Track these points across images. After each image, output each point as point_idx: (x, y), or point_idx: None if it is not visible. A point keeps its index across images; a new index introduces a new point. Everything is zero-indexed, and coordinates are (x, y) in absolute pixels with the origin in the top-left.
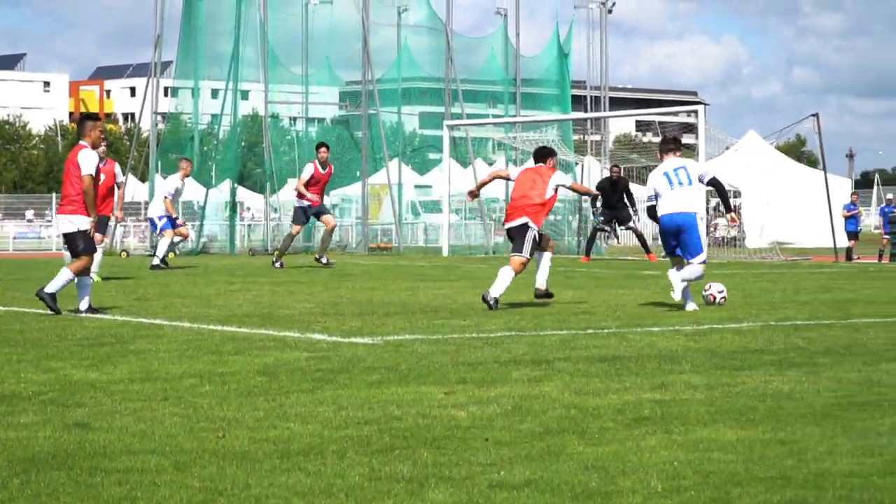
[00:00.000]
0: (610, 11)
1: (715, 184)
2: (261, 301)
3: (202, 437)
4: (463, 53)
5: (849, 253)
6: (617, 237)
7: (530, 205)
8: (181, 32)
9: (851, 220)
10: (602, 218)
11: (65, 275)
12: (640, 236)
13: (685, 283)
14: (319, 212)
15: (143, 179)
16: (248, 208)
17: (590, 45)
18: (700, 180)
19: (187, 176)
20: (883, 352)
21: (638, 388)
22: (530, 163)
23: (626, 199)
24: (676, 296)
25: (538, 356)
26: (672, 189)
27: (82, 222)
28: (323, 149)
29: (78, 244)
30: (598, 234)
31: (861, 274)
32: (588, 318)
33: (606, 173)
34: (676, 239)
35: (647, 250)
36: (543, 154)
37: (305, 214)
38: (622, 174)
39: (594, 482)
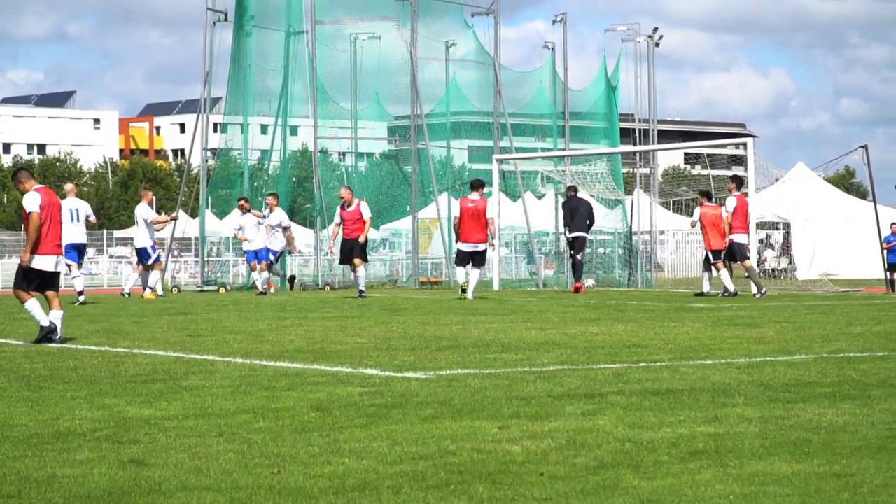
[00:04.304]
0: (657, 44)
1: None
2: (312, 336)
3: (257, 473)
4: (511, 87)
5: (892, 285)
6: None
7: None
8: (230, 69)
9: (893, 251)
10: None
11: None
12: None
13: None
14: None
15: (193, 216)
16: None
17: (637, 77)
18: None
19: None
20: None
21: (692, 422)
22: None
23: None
24: None
25: (591, 390)
26: None
27: None
28: None
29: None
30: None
31: None
32: (640, 351)
33: (657, 206)
34: None
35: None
36: None
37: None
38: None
39: None
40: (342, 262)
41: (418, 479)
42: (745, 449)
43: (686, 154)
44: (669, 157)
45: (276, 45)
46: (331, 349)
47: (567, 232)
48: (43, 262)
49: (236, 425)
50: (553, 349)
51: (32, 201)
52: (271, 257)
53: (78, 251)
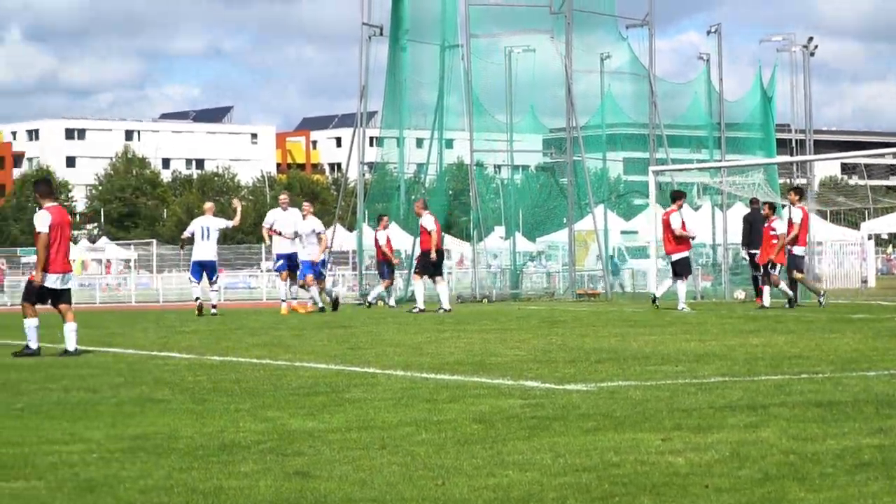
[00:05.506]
0: (812, 54)
1: None
2: (472, 349)
3: (422, 485)
4: (666, 98)
5: None
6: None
7: None
8: (386, 83)
9: None
10: None
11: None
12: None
13: None
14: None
15: (350, 229)
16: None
17: (793, 87)
18: None
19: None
20: None
21: (856, 433)
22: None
23: None
24: None
25: (753, 401)
26: None
27: None
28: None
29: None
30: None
31: None
32: (801, 362)
33: (814, 217)
34: None
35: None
36: None
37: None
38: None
39: None
40: None
41: (582, 490)
42: None
43: (843, 164)
44: (826, 167)
45: (431, 58)
46: (490, 361)
47: (744, 249)
48: (50, 280)
49: (399, 437)
50: (713, 361)
51: (43, 221)
52: (322, 271)
53: (208, 268)
